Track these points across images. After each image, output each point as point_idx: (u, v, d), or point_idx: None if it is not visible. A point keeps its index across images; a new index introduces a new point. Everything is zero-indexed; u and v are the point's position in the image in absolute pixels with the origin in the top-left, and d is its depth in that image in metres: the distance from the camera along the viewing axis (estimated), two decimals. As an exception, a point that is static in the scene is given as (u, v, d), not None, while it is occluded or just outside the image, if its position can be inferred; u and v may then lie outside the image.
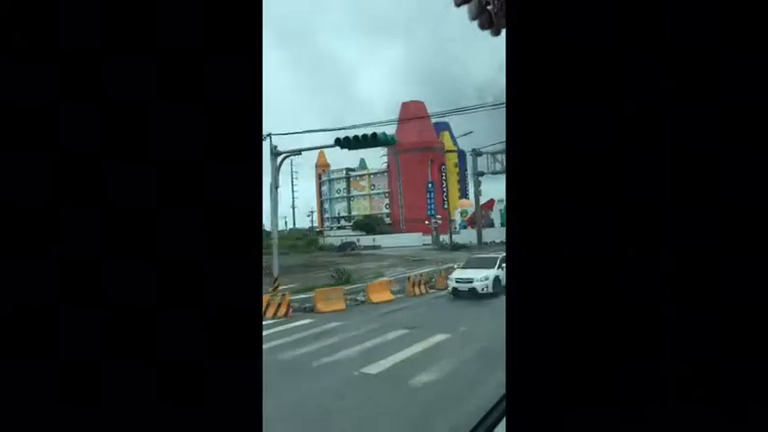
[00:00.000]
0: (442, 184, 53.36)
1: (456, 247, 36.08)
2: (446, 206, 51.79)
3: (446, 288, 16.24)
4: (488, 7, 0.84)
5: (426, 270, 21.64)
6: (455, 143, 58.23)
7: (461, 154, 56.36)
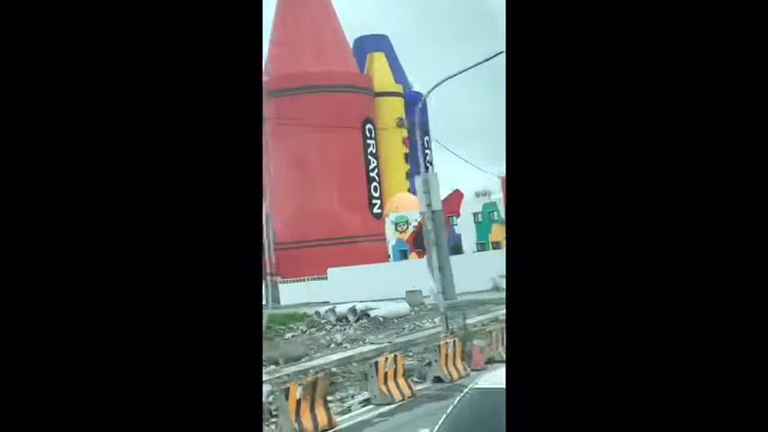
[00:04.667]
0: (368, 164, 27.05)
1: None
2: (379, 209, 26.51)
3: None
4: None
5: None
6: (400, 78, 29.96)
7: (413, 99, 25.16)
